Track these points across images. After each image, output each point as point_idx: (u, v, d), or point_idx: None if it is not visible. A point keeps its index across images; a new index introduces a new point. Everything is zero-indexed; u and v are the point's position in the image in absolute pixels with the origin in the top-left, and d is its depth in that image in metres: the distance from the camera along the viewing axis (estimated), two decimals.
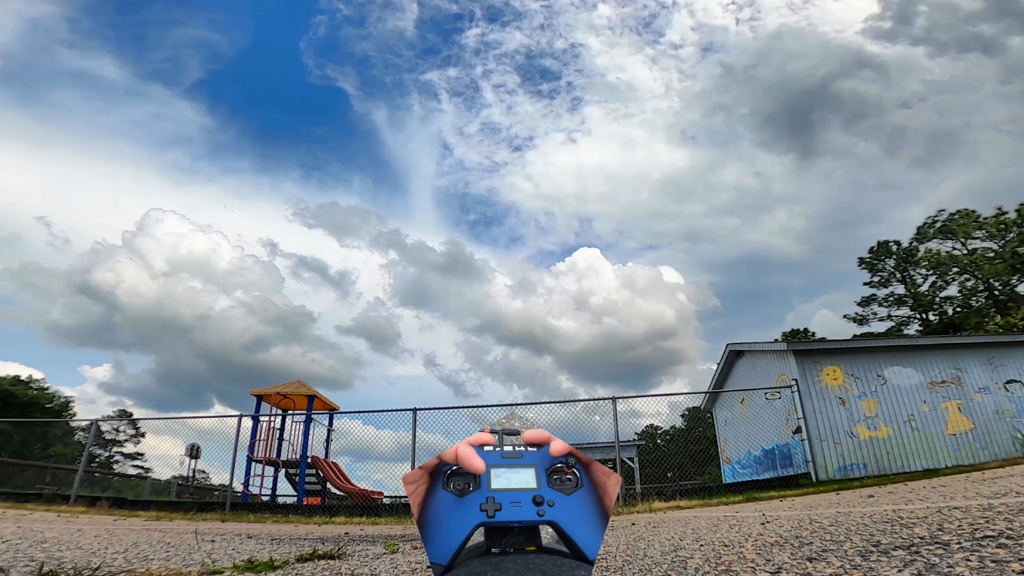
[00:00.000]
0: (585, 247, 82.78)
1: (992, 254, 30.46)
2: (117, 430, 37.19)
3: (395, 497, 13.62)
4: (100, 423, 15.72)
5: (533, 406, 12.19)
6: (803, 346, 12.12)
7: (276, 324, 72.34)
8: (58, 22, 61.40)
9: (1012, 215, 29.64)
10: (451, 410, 11.75)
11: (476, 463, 0.64)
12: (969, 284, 31.94)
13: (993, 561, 1.40)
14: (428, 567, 0.84)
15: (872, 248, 36.54)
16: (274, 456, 13.32)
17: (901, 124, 60.08)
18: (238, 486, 11.71)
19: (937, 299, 33.54)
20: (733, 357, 15.43)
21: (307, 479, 13.26)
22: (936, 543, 1.77)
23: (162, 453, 40.56)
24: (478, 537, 0.68)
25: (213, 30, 71.88)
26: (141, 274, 65.32)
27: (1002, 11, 47.21)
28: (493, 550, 0.65)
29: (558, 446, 0.70)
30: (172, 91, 73.66)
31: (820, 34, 64.06)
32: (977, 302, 31.79)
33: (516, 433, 0.74)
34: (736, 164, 77.26)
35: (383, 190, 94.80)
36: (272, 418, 13.68)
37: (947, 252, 32.34)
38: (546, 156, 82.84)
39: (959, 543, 1.71)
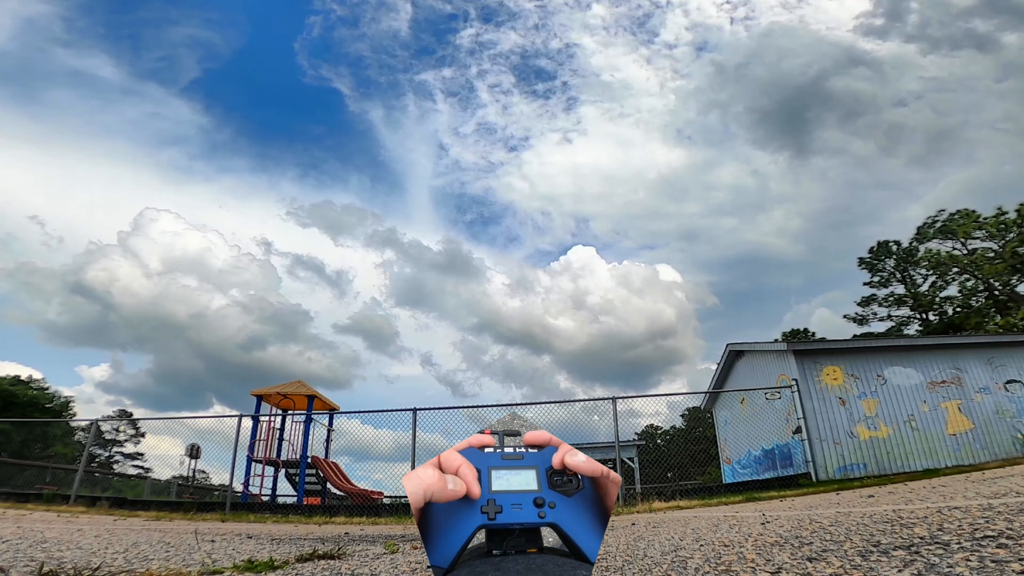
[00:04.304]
0: (580, 246, 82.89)
1: (992, 254, 30.46)
2: (117, 430, 37.21)
3: (395, 497, 13.63)
4: (100, 423, 15.72)
5: (532, 406, 12.21)
6: (803, 346, 12.12)
7: (272, 323, 72.43)
8: (53, 21, 61.42)
9: (1012, 215, 29.64)
10: (451, 410, 11.77)
11: (474, 489, 0.64)
12: (969, 284, 31.94)
13: (993, 561, 1.40)
14: (428, 567, 0.83)
15: (872, 248, 36.58)
16: (274, 456, 13.31)
17: (897, 122, 60.10)
18: (238, 486, 11.70)
19: (937, 299, 33.54)
20: (733, 357, 15.43)
21: (307, 479, 13.26)
22: (936, 543, 1.77)
23: (162, 453, 40.69)
24: (479, 539, 0.68)
25: (209, 29, 71.92)
26: (136, 273, 65.37)
27: (995, 8, 47.21)
28: (494, 552, 0.65)
29: (559, 460, 0.68)
30: (168, 90, 73.72)
31: (813, 32, 64.15)
32: (977, 302, 31.79)
33: (517, 434, 0.74)
34: (732, 163, 77.35)
35: (380, 189, 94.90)
36: (272, 418, 13.68)
37: (947, 252, 32.34)
38: (542, 156, 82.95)
39: (959, 543, 1.71)
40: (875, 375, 11.30)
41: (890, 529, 2.27)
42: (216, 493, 19.45)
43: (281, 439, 13.68)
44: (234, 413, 11.93)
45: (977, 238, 31.41)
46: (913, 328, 34.31)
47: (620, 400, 10.56)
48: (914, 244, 34.61)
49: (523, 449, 0.72)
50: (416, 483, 0.61)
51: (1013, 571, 1.28)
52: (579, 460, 0.67)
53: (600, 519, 0.67)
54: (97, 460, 33.37)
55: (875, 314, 35.91)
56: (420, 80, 74.63)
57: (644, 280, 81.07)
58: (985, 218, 30.91)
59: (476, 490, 0.64)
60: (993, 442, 10.67)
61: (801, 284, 77.78)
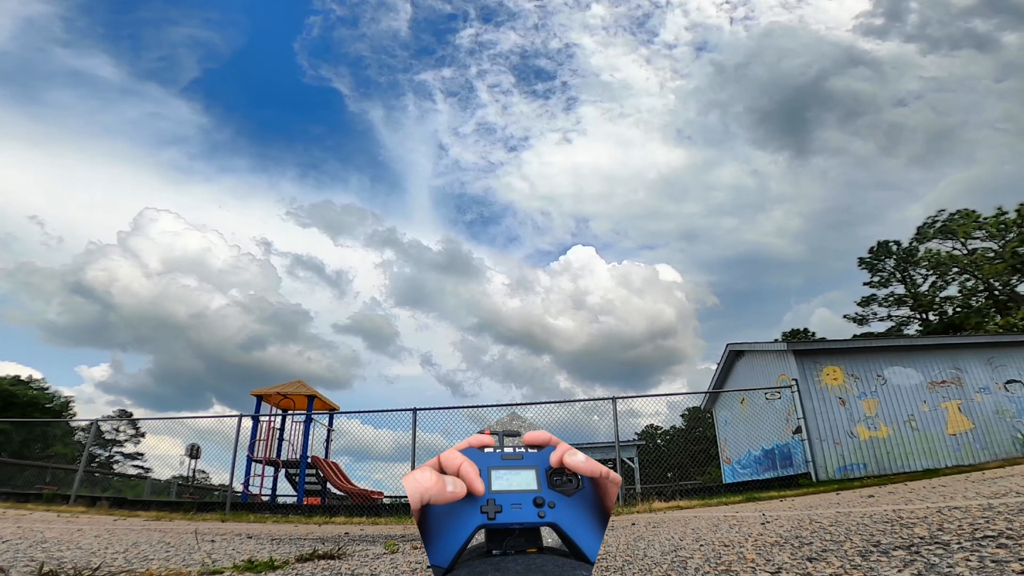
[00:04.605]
0: (580, 246, 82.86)
1: (992, 254, 30.46)
2: (117, 430, 37.21)
3: (395, 497, 13.63)
4: (100, 423, 15.72)
5: (532, 406, 12.21)
6: (803, 346, 12.12)
7: (272, 323, 72.44)
8: (53, 21, 61.43)
9: (1012, 215, 29.64)
10: (451, 410, 11.76)
11: (476, 486, 0.64)
12: (969, 284, 31.94)
13: (993, 561, 1.40)
14: (428, 567, 0.83)
15: (872, 248, 36.59)
16: (274, 456, 13.31)
17: (897, 122, 60.08)
18: (238, 486, 11.70)
19: (937, 299, 33.54)
20: (733, 357, 15.43)
21: (307, 479, 13.26)
22: (936, 543, 1.77)
23: (162, 453, 40.60)
24: (479, 539, 0.68)
25: (209, 29, 71.91)
26: (136, 273, 65.35)
27: (995, 7, 47.21)
28: (494, 552, 0.65)
29: (558, 459, 0.68)
30: (168, 90, 73.69)
31: (812, 32, 64.18)
32: (977, 302, 31.79)
33: (516, 435, 0.74)
34: (732, 163, 77.36)
35: (380, 189, 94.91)
36: (272, 418, 13.68)
37: (947, 252, 32.34)
38: (542, 156, 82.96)
39: (959, 543, 1.71)
40: (875, 375, 11.30)
41: (890, 529, 2.27)
42: (216, 493, 19.45)
43: (281, 439, 13.68)
44: (234, 413, 11.94)
45: (977, 238, 31.42)
46: (913, 328, 34.33)
47: (620, 400, 10.56)
48: (914, 244, 34.61)
49: (523, 449, 0.72)
50: (414, 486, 0.61)
51: (1013, 571, 1.28)
52: (578, 460, 0.67)
53: (600, 519, 0.67)
54: (97, 460, 33.38)
55: (875, 314, 35.95)
56: (420, 80, 74.73)
57: (644, 280, 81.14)
58: (985, 218, 30.91)
59: (479, 487, 0.63)
60: (993, 442, 10.67)
61: (801, 284, 77.83)
